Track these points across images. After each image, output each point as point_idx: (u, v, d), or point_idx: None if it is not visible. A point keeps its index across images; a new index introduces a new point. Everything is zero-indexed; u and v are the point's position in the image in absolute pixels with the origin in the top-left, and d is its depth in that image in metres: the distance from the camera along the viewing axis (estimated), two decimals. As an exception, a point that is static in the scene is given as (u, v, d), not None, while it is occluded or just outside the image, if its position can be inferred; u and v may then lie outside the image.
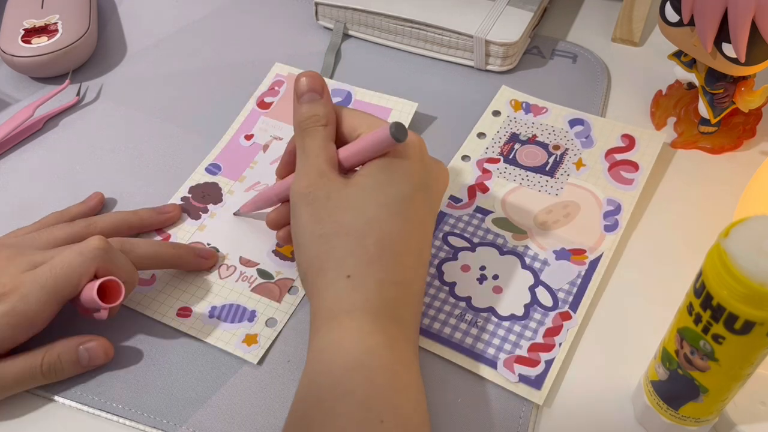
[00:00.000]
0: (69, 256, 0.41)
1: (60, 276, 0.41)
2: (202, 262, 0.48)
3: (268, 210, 0.48)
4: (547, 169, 0.52)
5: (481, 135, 0.55)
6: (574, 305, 0.45)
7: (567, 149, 0.53)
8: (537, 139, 0.54)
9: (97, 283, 0.41)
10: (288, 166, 0.46)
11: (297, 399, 0.38)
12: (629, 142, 0.53)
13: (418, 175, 0.41)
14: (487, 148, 0.54)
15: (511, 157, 0.53)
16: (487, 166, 0.53)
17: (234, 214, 0.51)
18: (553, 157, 0.53)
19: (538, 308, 0.45)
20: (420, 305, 0.42)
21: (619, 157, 0.52)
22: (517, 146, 0.54)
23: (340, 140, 0.43)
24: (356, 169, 0.43)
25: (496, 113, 0.56)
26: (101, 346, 0.43)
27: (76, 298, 0.42)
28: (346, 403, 0.35)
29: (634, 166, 0.52)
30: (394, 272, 0.39)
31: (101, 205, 0.51)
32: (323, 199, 0.40)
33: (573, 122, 0.55)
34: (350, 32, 0.63)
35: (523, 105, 0.56)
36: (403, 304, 0.40)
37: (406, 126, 0.55)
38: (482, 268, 0.47)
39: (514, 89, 0.58)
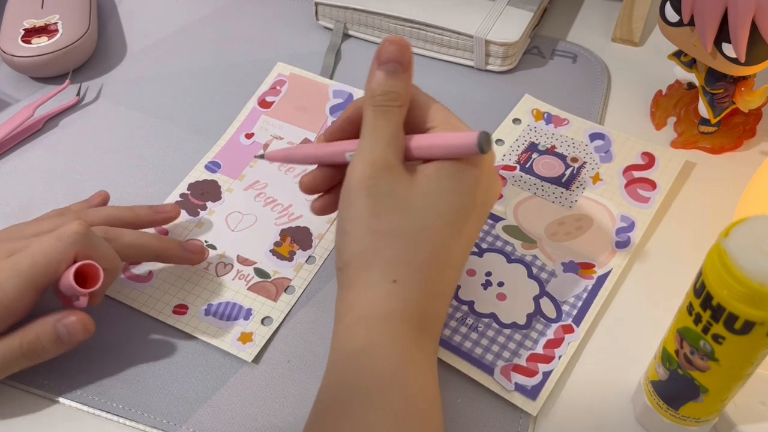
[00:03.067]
0: (46, 242, 0.40)
1: (37, 262, 0.40)
2: (189, 255, 0.47)
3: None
4: (563, 180, 0.52)
5: (499, 141, 0.54)
6: (578, 319, 0.45)
7: (585, 162, 0.53)
8: (555, 150, 0.53)
9: (74, 267, 0.40)
10: (340, 132, 0.43)
11: (322, 399, 0.36)
12: (649, 160, 0.52)
13: (482, 190, 0.39)
14: (504, 155, 0.53)
15: (527, 166, 0.53)
16: (502, 173, 0.52)
17: (256, 156, 0.48)
18: (570, 169, 0.52)
19: (541, 319, 0.45)
20: (446, 315, 0.41)
21: (637, 174, 0.52)
22: (534, 156, 0.53)
23: (407, 124, 0.41)
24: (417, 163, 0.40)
25: (517, 121, 0.56)
26: (80, 321, 0.41)
27: (57, 286, 0.41)
28: (380, 416, 0.34)
29: (652, 184, 0.51)
30: (438, 284, 0.38)
31: (105, 204, 0.50)
32: (386, 194, 0.38)
33: (593, 136, 0.54)
34: (350, 32, 0.63)
35: (545, 115, 0.56)
36: (437, 317, 0.39)
37: None
38: (488, 274, 0.47)
39: (535, 97, 0.57)
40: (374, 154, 0.38)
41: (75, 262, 0.41)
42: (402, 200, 0.38)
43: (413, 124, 0.41)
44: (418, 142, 0.39)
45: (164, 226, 0.50)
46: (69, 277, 0.40)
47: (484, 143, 0.37)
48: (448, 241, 0.38)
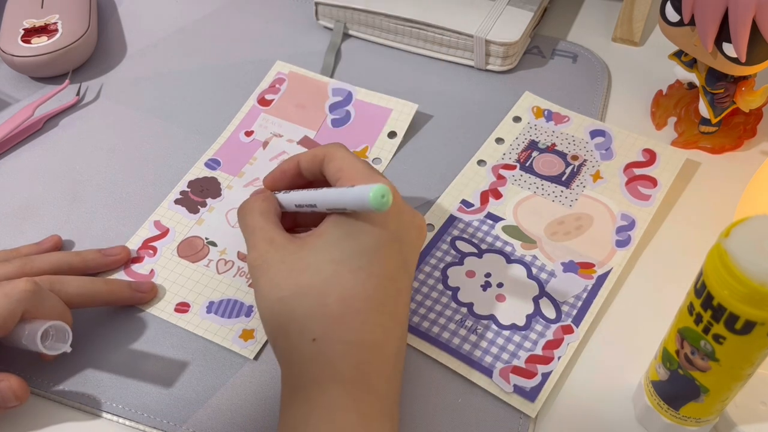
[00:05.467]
0: None
1: None
2: (139, 296, 0.46)
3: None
4: (563, 179, 0.51)
5: (499, 140, 0.54)
6: (578, 319, 0.45)
7: (585, 160, 0.52)
8: (556, 148, 0.53)
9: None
10: (277, 182, 0.44)
11: None
12: (650, 157, 0.52)
13: (383, 226, 0.38)
14: (504, 154, 0.53)
15: (528, 164, 0.53)
16: (502, 172, 0.52)
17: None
18: (570, 167, 0.52)
19: (541, 320, 0.45)
20: (397, 371, 0.39)
21: (638, 171, 0.51)
22: (535, 154, 0.53)
23: (323, 179, 0.42)
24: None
25: (517, 119, 0.56)
26: (9, 388, 0.40)
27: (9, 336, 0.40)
28: None
29: (653, 182, 0.51)
30: (361, 332, 0.37)
31: (56, 249, 0.49)
32: (278, 263, 0.38)
33: (594, 133, 0.54)
34: (350, 32, 0.63)
35: (545, 112, 0.56)
36: (376, 370, 0.37)
37: (402, 132, 0.55)
38: (488, 275, 0.47)
39: (537, 95, 0.57)
40: (255, 240, 0.40)
41: (23, 318, 0.40)
42: (296, 262, 0.38)
43: (329, 178, 0.41)
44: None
45: (165, 225, 0.50)
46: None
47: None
48: (359, 285, 0.37)
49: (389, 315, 0.38)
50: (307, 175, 0.43)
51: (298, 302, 0.37)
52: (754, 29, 0.45)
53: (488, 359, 0.43)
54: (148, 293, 0.46)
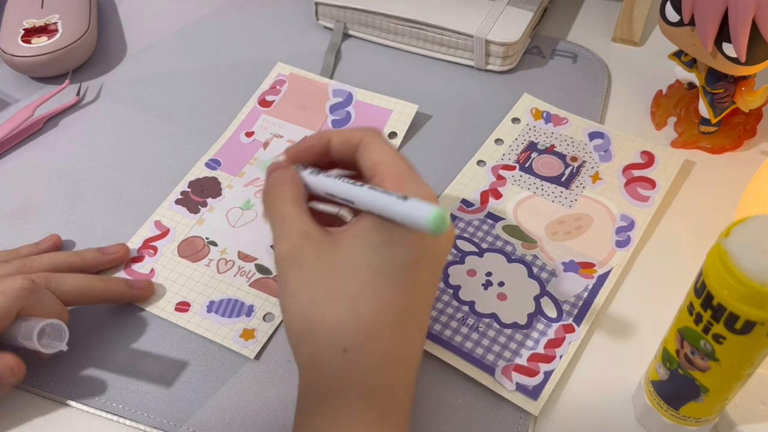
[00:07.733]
0: None
1: None
2: (136, 293, 0.46)
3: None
4: (562, 180, 0.52)
5: (498, 141, 0.54)
6: (579, 318, 0.45)
7: (584, 161, 0.53)
8: (555, 149, 0.54)
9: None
10: (300, 156, 0.41)
11: None
12: (648, 159, 0.52)
13: (423, 238, 0.36)
14: (503, 155, 0.54)
15: (527, 165, 0.53)
16: (502, 172, 0.53)
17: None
18: (569, 168, 0.52)
19: (542, 319, 0.45)
20: (415, 382, 0.38)
21: (636, 173, 0.52)
22: (534, 155, 0.53)
23: (352, 163, 0.39)
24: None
25: (516, 120, 0.56)
26: (6, 365, 0.39)
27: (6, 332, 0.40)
28: None
29: (652, 183, 0.51)
30: (392, 347, 0.35)
31: (56, 249, 0.49)
32: (312, 260, 0.35)
33: (593, 135, 0.54)
34: (350, 32, 0.63)
35: (544, 114, 0.56)
36: (402, 384, 0.36)
37: (403, 132, 0.55)
38: (488, 274, 0.47)
39: (535, 96, 0.57)
40: (285, 231, 0.37)
41: (19, 315, 0.40)
42: (332, 263, 0.35)
43: (359, 166, 0.38)
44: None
45: (166, 224, 0.50)
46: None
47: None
48: (395, 299, 0.35)
49: (418, 329, 0.37)
50: (336, 156, 0.40)
51: (330, 307, 0.35)
52: (754, 29, 0.45)
53: (490, 357, 0.43)
54: (145, 290, 0.46)
